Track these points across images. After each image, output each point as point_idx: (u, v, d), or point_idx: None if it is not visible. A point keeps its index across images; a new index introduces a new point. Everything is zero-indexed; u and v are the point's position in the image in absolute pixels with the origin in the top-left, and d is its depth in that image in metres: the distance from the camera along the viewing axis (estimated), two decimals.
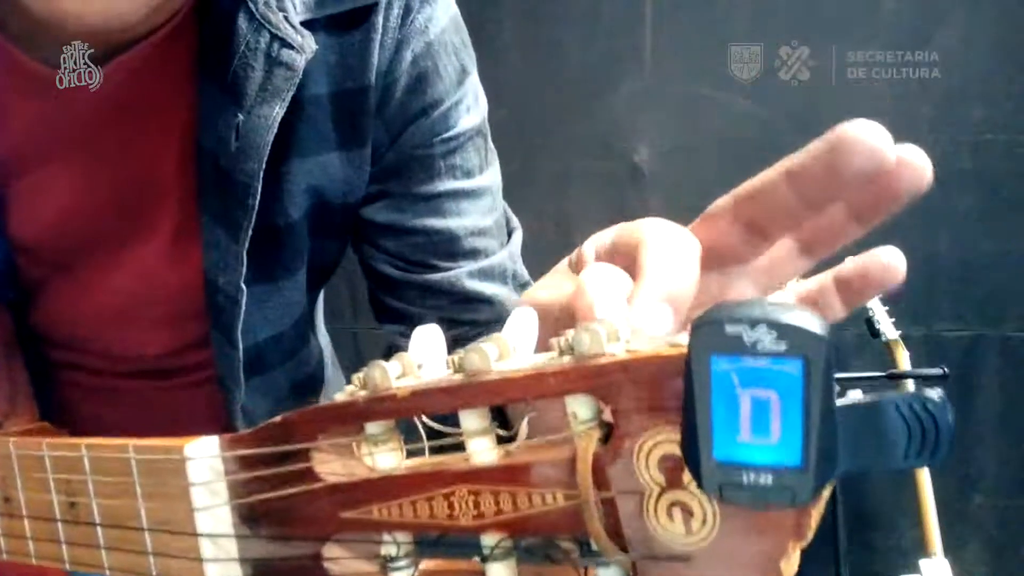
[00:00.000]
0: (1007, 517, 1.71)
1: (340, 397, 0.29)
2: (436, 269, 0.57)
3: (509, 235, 0.61)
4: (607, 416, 0.24)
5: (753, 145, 1.64)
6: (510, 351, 0.26)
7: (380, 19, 0.52)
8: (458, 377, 0.26)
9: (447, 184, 0.56)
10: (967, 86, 1.66)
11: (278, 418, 0.31)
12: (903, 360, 1.46)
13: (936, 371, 1.44)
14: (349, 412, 0.28)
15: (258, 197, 0.50)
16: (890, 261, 0.28)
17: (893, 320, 1.47)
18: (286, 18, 0.49)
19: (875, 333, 1.47)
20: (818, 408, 0.19)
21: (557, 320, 0.31)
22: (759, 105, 1.69)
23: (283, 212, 0.53)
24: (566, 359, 0.24)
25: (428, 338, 0.29)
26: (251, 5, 0.49)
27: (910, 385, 1.46)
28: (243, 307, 0.53)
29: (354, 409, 0.28)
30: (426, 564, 0.29)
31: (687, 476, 0.22)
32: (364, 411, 0.28)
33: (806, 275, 0.32)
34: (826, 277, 0.30)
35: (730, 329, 0.19)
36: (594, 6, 1.75)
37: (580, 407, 0.24)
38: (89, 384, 0.61)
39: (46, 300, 0.57)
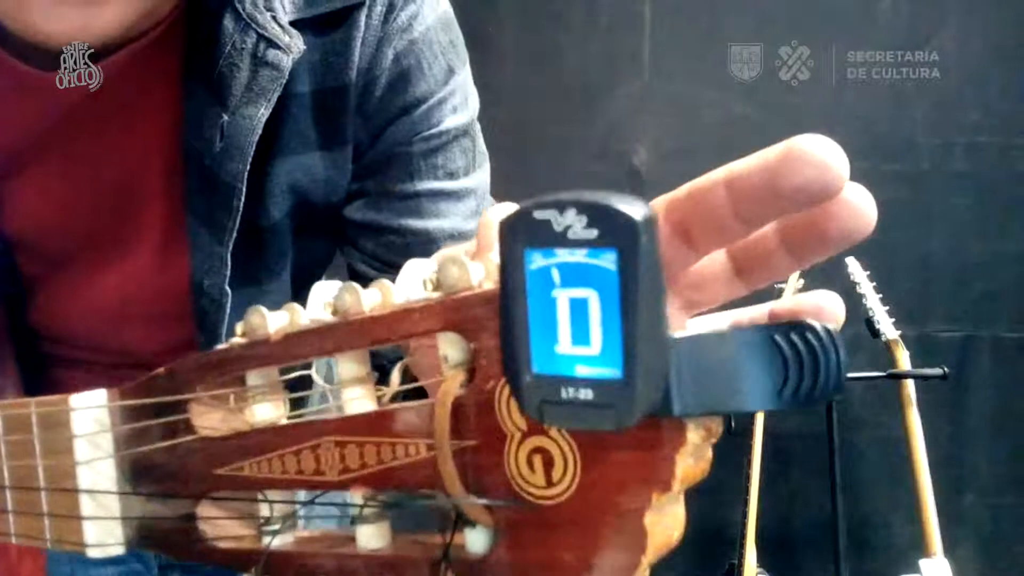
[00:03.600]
0: (1000, 516, 1.68)
1: (220, 345, 0.27)
2: None
3: None
4: None
5: (752, 146, 1.61)
6: (392, 296, 0.25)
7: (363, 17, 0.51)
8: (330, 319, 0.25)
9: (427, 184, 0.54)
10: (963, 88, 1.64)
11: (164, 368, 0.29)
12: (903, 360, 1.42)
13: (936, 371, 1.41)
14: (226, 360, 0.27)
15: (242, 199, 0.49)
16: (826, 306, 0.26)
17: (892, 321, 1.45)
18: (274, 18, 0.49)
19: (875, 333, 1.44)
20: (640, 309, 0.17)
21: None
22: (758, 106, 1.67)
23: (265, 213, 0.52)
24: (436, 295, 0.23)
25: (325, 291, 0.28)
26: (237, 5, 0.48)
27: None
28: (227, 310, 0.52)
29: (231, 356, 0.27)
30: (302, 533, 0.28)
31: None
32: (240, 358, 0.27)
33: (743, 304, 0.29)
34: (761, 310, 0.28)
35: (539, 215, 0.17)
36: (592, 7, 1.73)
37: (451, 348, 0.23)
38: (82, 380, 0.60)
39: (42, 297, 0.56)
